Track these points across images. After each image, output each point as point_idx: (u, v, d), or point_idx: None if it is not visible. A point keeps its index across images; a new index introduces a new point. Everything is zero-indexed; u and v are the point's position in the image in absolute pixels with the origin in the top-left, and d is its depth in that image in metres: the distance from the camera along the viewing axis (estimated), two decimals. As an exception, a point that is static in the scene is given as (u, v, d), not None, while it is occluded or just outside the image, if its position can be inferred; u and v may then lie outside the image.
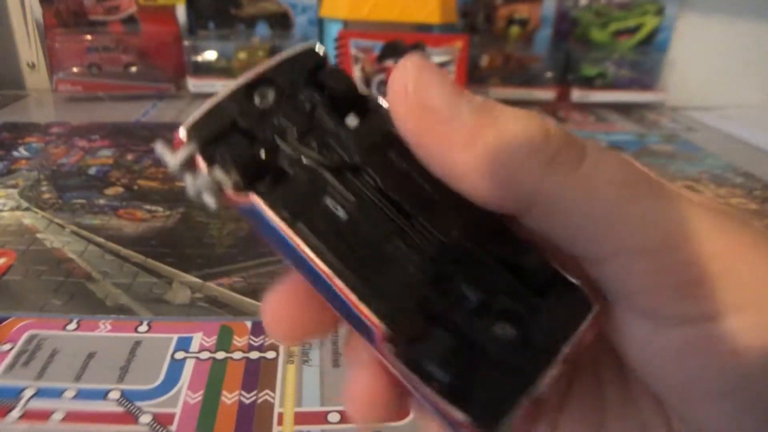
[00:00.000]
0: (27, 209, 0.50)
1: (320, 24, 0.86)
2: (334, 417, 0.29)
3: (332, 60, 0.17)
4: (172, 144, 0.15)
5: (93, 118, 0.75)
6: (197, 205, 0.51)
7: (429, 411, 0.14)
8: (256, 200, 0.14)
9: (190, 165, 0.15)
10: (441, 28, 0.79)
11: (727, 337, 0.13)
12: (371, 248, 0.14)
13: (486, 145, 0.13)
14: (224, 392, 0.30)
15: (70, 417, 0.28)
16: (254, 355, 0.33)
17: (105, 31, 0.85)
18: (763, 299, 0.13)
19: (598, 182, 0.13)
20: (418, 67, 0.14)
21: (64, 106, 0.82)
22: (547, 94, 0.87)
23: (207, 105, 0.15)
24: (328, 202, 0.15)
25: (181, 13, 0.85)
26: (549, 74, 0.87)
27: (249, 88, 0.15)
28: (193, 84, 0.83)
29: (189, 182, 0.14)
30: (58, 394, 0.30)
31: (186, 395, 0.30)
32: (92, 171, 0.59)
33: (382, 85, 0.76)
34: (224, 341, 0.34)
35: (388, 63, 0.76)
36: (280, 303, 0.16)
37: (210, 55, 0.83)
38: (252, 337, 0.34)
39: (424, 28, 0.79)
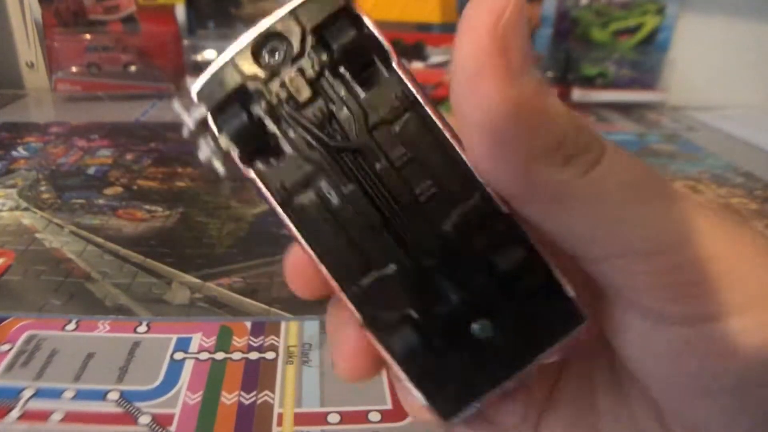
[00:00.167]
0: (26, 209, 0.50)
1: (320, 24, 0.86)
2: (333, 418, 0.29)
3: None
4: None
5: (92, 117, 0.75)
6: (197, 205, 0.51)
7: (399, 387, 0.16)
8: (254, 176, 0.15)
9: (203, 128, 0.15)
10: (441, 28, 0.79)
11: (727, 337, 0.13)
12: (358, 238, 0.15)
13: (533, 108, 0.13)
14: (224, 393, 0.30)
15: (70, 417, 0.28)
16: (254, 355, 0.33)
17: (104, 30, 0.84)
18: (764, 300, 0.13)
19: (608, 185, 0.13)
20: (518, 7, 0.13)
21: (63, 106, 0.81)
22: (548, 94, 0.87)
23: (216, 64, 0.15)
24: (323, 185, 0.15)
25: (180, 12, 0.85)
26: (549, 74, 0.87)
27: (258, 45, 0.14)
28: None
29: (202, 146, 0.15)
30: (57, 394, 0.30)
31: (185, 396, 0.30)
32: (91, 171, 0.59)
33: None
34: (224, 342, 0.34)
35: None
36: (295, 262, 0.16)
37: (210, 54, 0.83)
38: (251, 338, 0.34)
39: (424, 27, 0.79)
